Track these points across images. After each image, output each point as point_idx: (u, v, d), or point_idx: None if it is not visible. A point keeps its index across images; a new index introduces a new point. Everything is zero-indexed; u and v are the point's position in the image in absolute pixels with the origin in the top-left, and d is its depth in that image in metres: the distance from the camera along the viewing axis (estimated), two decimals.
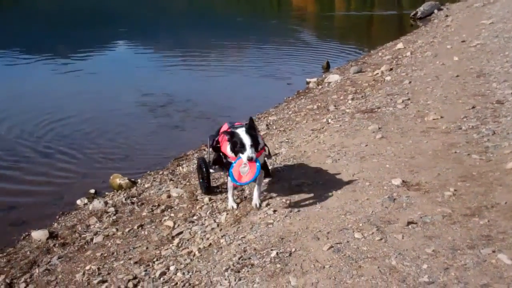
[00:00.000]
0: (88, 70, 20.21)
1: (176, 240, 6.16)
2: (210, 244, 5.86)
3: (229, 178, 6.16)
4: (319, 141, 9.06)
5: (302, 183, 7.09)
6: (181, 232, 6.37)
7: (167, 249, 5.99)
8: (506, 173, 6.51)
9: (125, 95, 15.74)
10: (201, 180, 7.46)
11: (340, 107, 11.49)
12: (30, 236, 6.98)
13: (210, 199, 7.19)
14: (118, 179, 8.61)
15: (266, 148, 6.65)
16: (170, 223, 6.68)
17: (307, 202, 6.44)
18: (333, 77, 15.51)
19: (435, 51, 16.30)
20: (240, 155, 5.92)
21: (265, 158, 6.90)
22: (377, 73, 14.65)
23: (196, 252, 5.70)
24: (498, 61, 12.68)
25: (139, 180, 8.84)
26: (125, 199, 7.82)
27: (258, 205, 6.43)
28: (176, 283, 5.12)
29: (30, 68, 20.78)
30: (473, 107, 9.41)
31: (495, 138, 7.72)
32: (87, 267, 5.88)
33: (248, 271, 5.06)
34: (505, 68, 11.82)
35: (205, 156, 7.75)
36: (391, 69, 14.80)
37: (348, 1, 57.91)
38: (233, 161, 6.13)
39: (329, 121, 10.33)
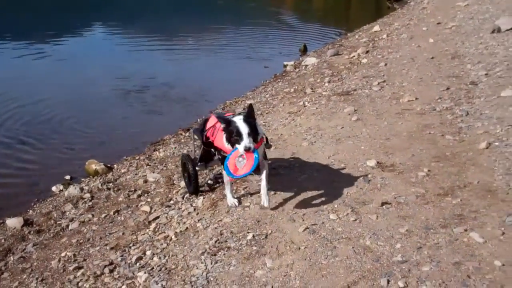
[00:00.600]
0: (64, 55, 19.97)
1: (153, 225, 6.15)
2: (187, 228, 5.86)
3: (224, 172, 5.61)
4: (295, 124, 9.07)
5: (278, 166, 7.10)
6: (158, 217, 6.36)
7: (143, 234, 5.98)
8: (479, 153, 6.58)
9: (101, 80, 15.60)
10: (186, 180, 6.78)
11: (316, 90, 11.50)
12: (5, 224, 6.92)
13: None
14: (94, 165, 8.55)
15: (265, 138, 5.92)
16: (146, 208, 6.66)
17: (283, 185, 6.45)
18: (310, 60, 15.51)
19: (411, 33, 16.33)
20: (237, 145, 5.24)
21: (265, 149, 6.12)
22: (354, 56, 14.67)
23: (173, 237, 5.70)
24: (473, 43, 12.75)
25: (115, 166, 8.80)
26: (101, 185, 7.78)
27: (267, 204, 5.62)
28: (153, 268, 5.12)
29: (1, 54, 20.43)
30: (448, 89, 9.48)
31: (469, 119, 7.80)
32: (63, 254, 5.85)
33: (224, 254, 5.08)
34: (479, 49, 11.90)
35: (190, 151, 7.38)
36: (367, 52, 14.82)
37: None
38: (228, 154, 5.50)
39: (306, 104, 10.34)
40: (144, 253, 5.46)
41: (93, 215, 6.82)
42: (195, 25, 28.01)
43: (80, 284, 5.13)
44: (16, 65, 18.50)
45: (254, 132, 5.26)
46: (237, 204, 6.04)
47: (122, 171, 8.44)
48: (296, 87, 12.39)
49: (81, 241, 6.15)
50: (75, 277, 5.29)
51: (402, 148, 7.13)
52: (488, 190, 5.60)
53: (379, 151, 7.16)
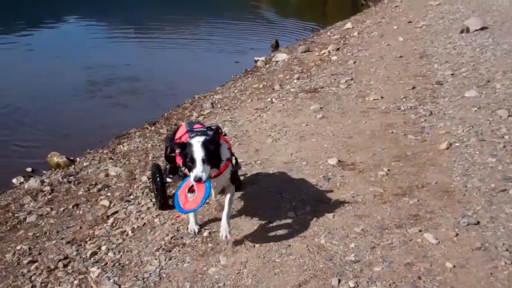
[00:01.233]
0: (32, 45, 19.57)
1: (111, 220, 6.08)
2: (145, 223, 5.81)
3: (174, 202, 4.77)
4: (261, 121, 9.06)
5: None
6: (117, 212, 6.29)
7: (100, 228, 5.91)
8: (439, 154, 6.66)
9: (68, 71, 15.29)
10: (155, 192, 6.12)
11: (285, 87, 11.49)
12: None
13: (148, 178, 7.11)
14: (56, 157, 8.43)
15: (234, 158, 5.46)
16: (106, 203, 6.59)
17: (243, 182, 6.43)
18: (281, 56, 15.47)
19: (381, 31, 16.43)
20: (190, 173, 4.56)
21: (232, 170, 5.25)
22: (324, 53, 14.68)
23: (130, 232, 5.65)
24: (441, 42, 12.90)
25: (78, 159, 8.68)
26: (62, 178, 7.67)
27: (226, 236, 4.87)
28: (106, 263, 5.07)
29: None
30: (413, 88, 9.56)
31: (432, 119, 7.88)
32: (18, 247, 5.74)
33: (179, 250, 5.05)
34: (448, 49, 12.04)
35: (161, 162, 6.87)
36: (338, 49, 14.85)
37: None
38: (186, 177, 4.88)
39: (273, 101, 10.33)
40: (99, 248, 5.39)
41: (51, 209, 6.71)
42: (169, 16, 27.64)
43: (33, 278, 5.05)
44: None
45: (213, 158, 4.56)
46: (196, 231, 5.34)
47: (85, 164, 8.33)
48: (265, 83, 12.37)
49: (38, 234, 6.05)
50: (28, 271, 5.19)
51: (364, 147, 7.17)
52: (445, 191, 5.67)
53: (341, 149, 7.19)
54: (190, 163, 4.49)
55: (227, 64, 16.75)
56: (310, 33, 21.79)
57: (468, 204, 5.30)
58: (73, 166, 8.34)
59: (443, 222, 5.04)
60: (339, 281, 4.27)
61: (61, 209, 6.66)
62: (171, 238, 5.29)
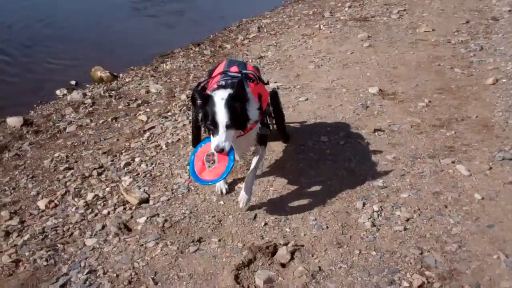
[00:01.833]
0: None
1: (147, 134, 6.16)
2: (179, 139, 5.87)
3: (189, 167, 4.04)
4: (306, 47, 8.90)
5: (279, 86, 7.02)
6: (153, 127, 6.35)
7: (136, 142, 6.00)
8: (484, 88, 6.44)
9: None
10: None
11: (335, 14, 11.18)
12: (5, 123, 6.95)
13: (187, 97, 7.13)
14: (99, 72, 8.52)
15: (265, 119, 4.59)
16: (143, 118, 6.66)
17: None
18: None
19: None
20: (211, 137, 3.84)
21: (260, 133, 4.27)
22: None
23: (164, 146, 5.72)
24: None
25: (120, 74, 8.74)
26: (104, 92, 7.77)
27: (243, 204, 4.25)
28: (138, 173, 5.18)
29: None
30: (467, 22, 9.18)
31: (482, 54, 7.58)
32: (56, 154, 5.91)
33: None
34: None
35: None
36: None
37: None
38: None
39: (321, 27, 10.09)
40: (133, 160, 5.50)
41: (91, 120, 6.84)
42: None
43: (67, 183, 5.20)
44: None
45: (239, 120, 3.80)
46: (224, 192, 4.61)
47: (127, 80, 8.39)
48: (316, 9, 12.05)
49: (76, 144, 6.20)
50: (64, 177, 5.35)
51: (408, 78, 6.99)
52: (484, 125, 5.51)
53: (384, 78, 7.02)
54: (211, 126, 3.72)
55: None
56: None
57: (506, 140, 5.14)
58: (115, 81, 8.41)
59: (478, 155, 4.91)
60: (364, 204, 4.25)
61: (100, 121, 6.77)
62: None
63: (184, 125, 6.24)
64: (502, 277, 3.38)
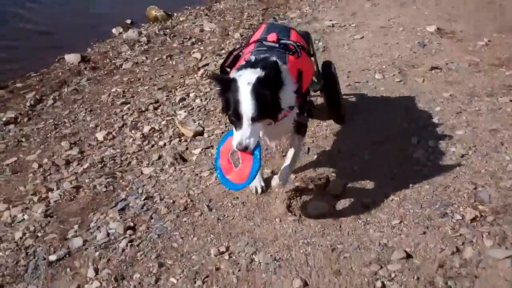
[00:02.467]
0: None
1: (201, 71, 6.21)
2: None
3: (215, 162, 3.31)
4: None
5: (334, 24, 6.91)
6: (207, 64, 6.39)
7: (191, 78, 6.07)
8: None
9: None
10: None
11: None
12: (64, 59, 7.14)
13: (241, 35, 7.12)
14: (154, 11, 8.58)
15: (308, 105, 3.62)
16: (198, 55, 6.70)
17: (335, 43, 6.31)
18: None
19: None
20: (233, 129, 3.06)
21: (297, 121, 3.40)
22: None
23: None
24: None
25: (175, 14, 8.78)
26: (159, 30, 7.84)
27: (277, 184, 3.57)
28: (193, 108, 5.25)
29: None
30: None
31: None
32: (113, 90, 6.04)
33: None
34: None
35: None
36: None
37: None
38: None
39: None
40: (188, 95, 5.57)
41: (146, 58, 6.93)
42: None
43: (125, 117, 5.33)
44: None
45: (269, 111, 3.00)
46: (259, 191, 3.83)
47: (181, 19, 8.43)
48: None
49: (132, 80, 6.32)
50: (121, 111, 5.49)
51: (467, 17, 6.78)
52: None
53: (443, 17, 6.83)
54: (233, 117, 2.96)
55: None
56: None
57: None
58: (170, 20, 8.47)
59: None
60: (419, 141, 4.19)
61: (156, 58, 6.86)
62: None
63: None
64: None
